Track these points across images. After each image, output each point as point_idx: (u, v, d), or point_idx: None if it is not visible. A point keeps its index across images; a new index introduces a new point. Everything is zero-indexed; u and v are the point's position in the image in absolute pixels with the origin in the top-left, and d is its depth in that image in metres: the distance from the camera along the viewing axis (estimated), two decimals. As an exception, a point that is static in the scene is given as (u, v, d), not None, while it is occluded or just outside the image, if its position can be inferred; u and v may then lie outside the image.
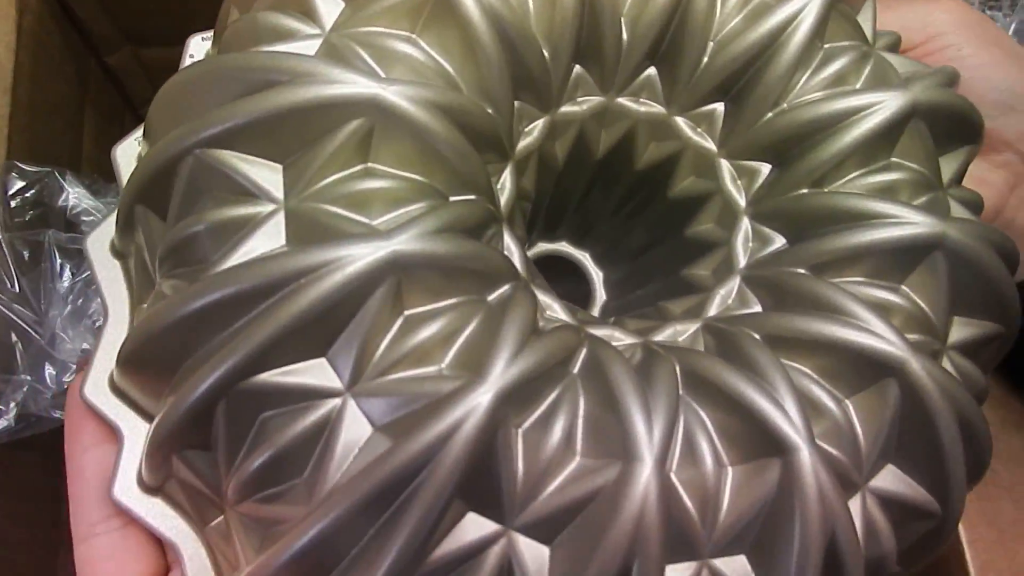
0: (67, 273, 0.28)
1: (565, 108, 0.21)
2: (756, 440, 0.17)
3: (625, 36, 0.20)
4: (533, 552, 0.16)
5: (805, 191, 0.20)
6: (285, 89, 0.17)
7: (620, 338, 0.19)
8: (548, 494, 0.16)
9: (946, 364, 0.19)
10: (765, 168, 0.21)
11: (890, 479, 0.18)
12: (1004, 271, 0.19)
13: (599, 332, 0.19)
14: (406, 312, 0.17)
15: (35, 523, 0.32)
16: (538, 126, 0.20)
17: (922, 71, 0.20)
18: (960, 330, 0.20)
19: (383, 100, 0.17)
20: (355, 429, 0.16)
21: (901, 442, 0.18)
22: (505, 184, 0.20)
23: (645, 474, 0.15)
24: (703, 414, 0.17)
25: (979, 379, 0.20)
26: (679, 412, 0.17)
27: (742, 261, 0.21)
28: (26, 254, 0.28)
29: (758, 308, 0.20)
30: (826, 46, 0.20)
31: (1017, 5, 0.33)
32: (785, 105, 0.20)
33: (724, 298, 0.20)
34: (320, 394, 0.16)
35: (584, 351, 0.18)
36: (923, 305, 0.19)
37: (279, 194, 0.17)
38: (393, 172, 0.18)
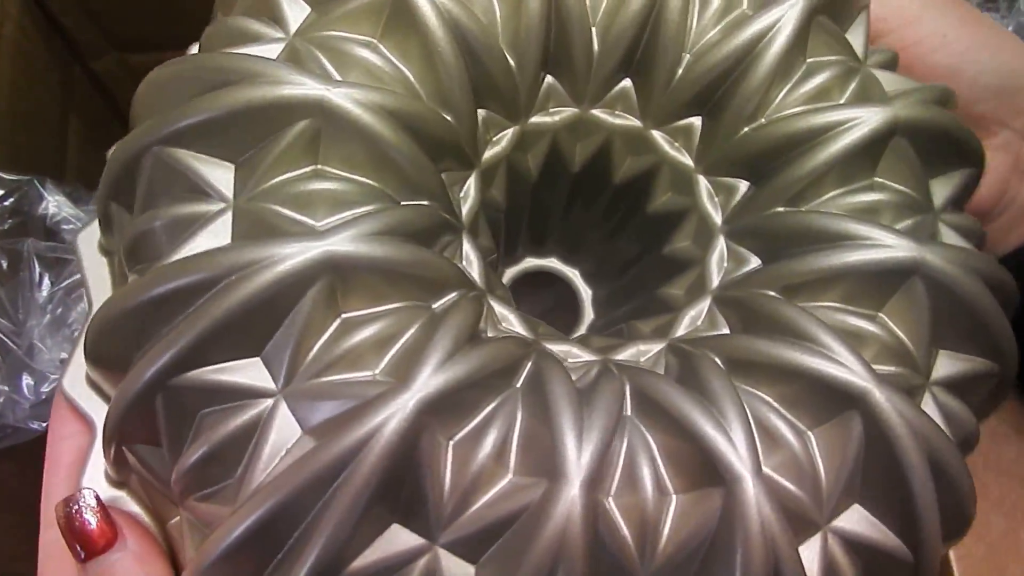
0: (46, 282, 0.28)
1: (536, 119, 0.20)
2: (702, 468, 0.16)
3: (596, 46, 0.19)
4: (458, 571, 0.15)
5: (781, 209, 0.19)
6: (235, 89, 0.17)
7: (578, 355, 0.19)
8: (475, 510, 0.15)
9: (928, 401, 0.18)
10: (743, 185, 0.20)
11: (856, 520, 0.17)
12: (990, 302, 0.18)
13: (557, 348, 0.19)
14: (343, 315, 0.16)
15: (13, 534, 0.32)
16: (506, 136, 0.20)
17: (911, 88, 0.19)
18: (946, 365, 0.18)
19: (328, 102, 0.17)
20: (285, 430, 0.16)
21: (868, 481, 0.17)
22: (469, 193, 0.20)
23: (569, 494, 0.15)
24: (650, 438, 0.16)
25: (967, 420, 0.18)
26: (619, 435, 0.16)
27: (715, 281, 0.20)
28: (4, 263, 0.28)
29: (726, 330, 0.19)
30: (809, 60, 0.19)
31: (1015, 7, 0.32)
32: (763, 120, 0.19)
33: (693, 319, 0.19)
34: (253, 393, 0.16)
35: (529, 364, 0.17)
36: (902, 335, 0.18)
37: (229, 193, 0.17)
38: (342, 175, 0.17)
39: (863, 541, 0.17)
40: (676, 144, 0.20)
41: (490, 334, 0.18)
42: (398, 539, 0.15)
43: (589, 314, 0.26)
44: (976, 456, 0.25)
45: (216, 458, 0.16)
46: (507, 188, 0.21)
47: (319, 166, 0.17)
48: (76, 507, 0.18)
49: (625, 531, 0.16)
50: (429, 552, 0.15)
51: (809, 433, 0.17)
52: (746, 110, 0.19)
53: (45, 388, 0.28)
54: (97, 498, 0.18)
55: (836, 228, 0.18)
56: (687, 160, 0.20)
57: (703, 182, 0.20)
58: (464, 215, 0.20)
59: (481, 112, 0.19)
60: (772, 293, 0.18)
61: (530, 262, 0.26)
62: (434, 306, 0.17)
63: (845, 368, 0.16)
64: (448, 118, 0.18)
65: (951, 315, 0.18)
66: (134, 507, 0.20)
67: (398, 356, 0.16)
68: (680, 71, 0.19)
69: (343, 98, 0.17)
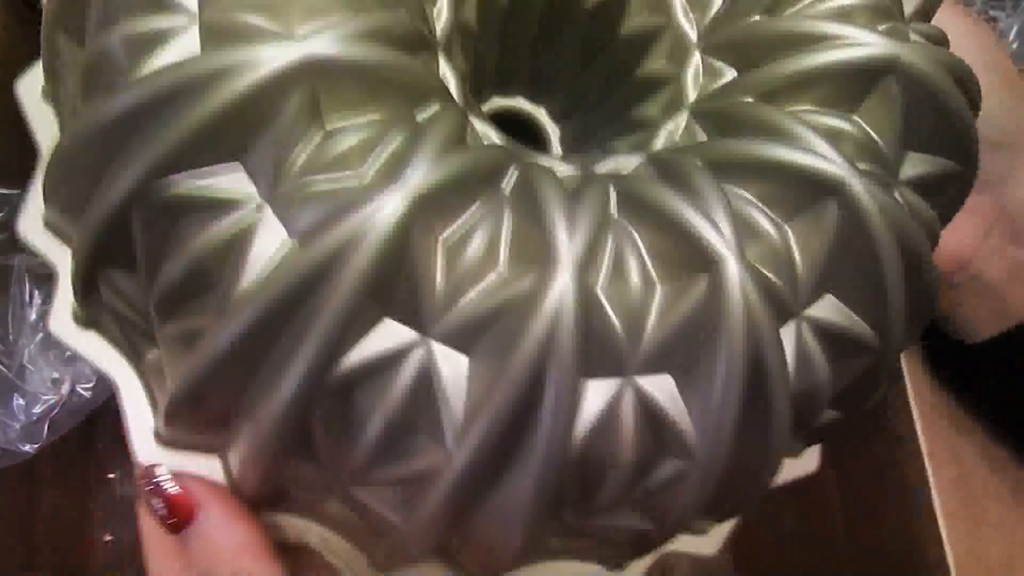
0: (36, 299, 0.27)
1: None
2: (686, 255, 0.16)
3: None
4: (452, 361, 0.16)
5: (757, 18, 0.19)
6: None
7: (562, 169, 0.19)
8: (466, 301, 0.16)
9: (897, 200, 0.19)
10: (717, 1, 0.20)
11: (828, 309, 0.18)
12: (962, 101, 0.18)
13: (540, 160, 0.19)
14: (325, 125, 0.16)
15: (8, 555, 0.32)
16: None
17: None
18: (914, 166, 0.19)
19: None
20: (271, 237, 0.16)
21: (841, 269, 0.17)
22: (442, 11, 0.19)
23: (562, 279, 0.15)
24: (636, 234, 0.17)
25: (931, 218, 0.19)
26: (607, 230, 0.17)
27: (691, 96, 0.20)
28: (-7, 279, 0.26)
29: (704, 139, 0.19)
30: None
31: (1020, 6, 0.31)
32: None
33: (671, 133, 0.20)
34: (235, 200, 0.16)
35: (516, 171, 0.17)
36: (874, 135, 0.18)
37: (193, 6, 0.17)
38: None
39: (833, 329, 0.18)
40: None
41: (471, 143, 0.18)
42: (391, 333, 0.16)
43: (557, 151, 0.26)
44: (975, 481, 0.27)
45: (198, 272, 0.16)
46: (479, 12, 0.21)
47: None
48: (152, 482, 0.18)
49: (613, 318, 0.16)
50: (422, 345, 0.16)
51: (786, 226, 0.17)
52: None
53: (36, 409, 0.27)
54: (170, 470, 0.18)
55: (812, 30, 0.18)
56: None
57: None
58: (439, 34, 0.19)
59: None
60: (749, 99, 0.19)
61: (496, 102, 0.26)
62: (417, 118, 0.17)
63: (823, 159, 0.17)
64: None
65: (921, 115, 0.18)
66: (104, 344, 0.20)
67: (384, 160, 0.16)
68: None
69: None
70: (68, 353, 0.28)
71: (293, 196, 0.16)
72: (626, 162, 0.19)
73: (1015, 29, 0.33)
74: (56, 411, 0.28)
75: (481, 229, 0.16)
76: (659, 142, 0.20)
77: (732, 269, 0.16)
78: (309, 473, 0.17)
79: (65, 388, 0.28)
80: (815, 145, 0.17)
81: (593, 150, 0.22)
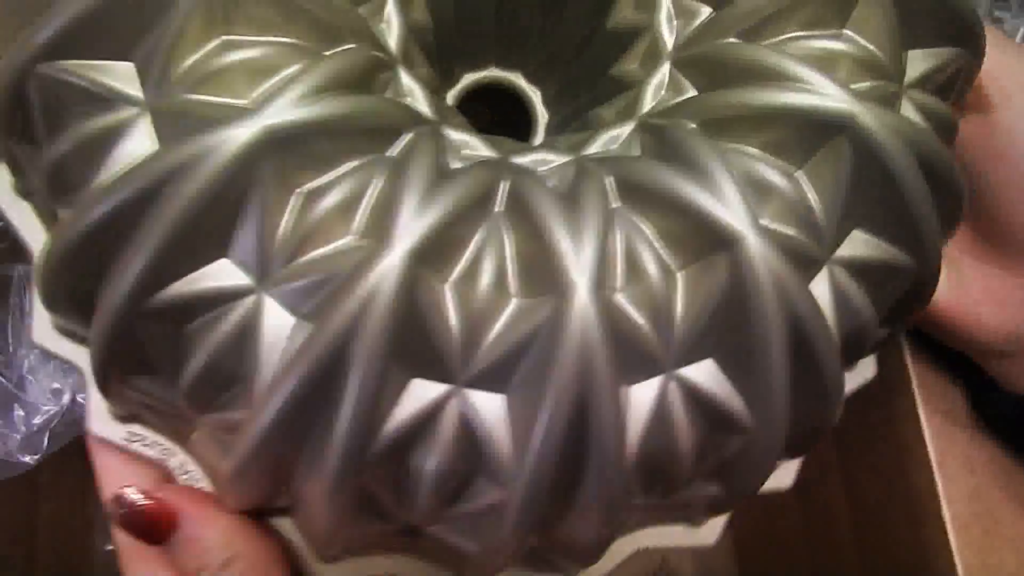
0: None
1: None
2: (701, 238, 0.16)
3: None
4: (488, 404, 0.16)
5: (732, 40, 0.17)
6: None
7: (551, 159, 0.18)
8: (489, 343, 0.15)
9: (906, 106, 0.17)
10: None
11: (857, 246, 0.17)
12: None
13: (527, 159, 0.18)
14: (300, 188, 0.15)
15: (9, 566, 0.32)
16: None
17: None
18: (918, 64, 0.18)
19: None
20: (277, 321, 0.15)
21: (863, 203, 0.17)
22: (391, 21, 0.18)
23: (580, 300, 0.14)
24: (642, 224, 0.16)
25: (946, 114, 0.18)
26: (613, 228, 0.16)
27: (669, 43, 0.19)
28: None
29: (693, 93, 0.18)
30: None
31: None
32: None
33: (657, 89, 0.19)
34: (233, 295, 0.15)
35: (505, 185, 0.16)
36: (870, 45, 0.17)
37: (138, 93, 0.16)
38: (254, 39, 0.16)
39: (867, 263, 0.17)
40: None
41: (455, 165, 0.17)
42: (421, 392, 0.15)
43: (543, 114, 0.24)
44: (989, 491, 0.25)
45: (217, 369, 0.16)
46: (430, 4, 0.19)
47: (225, 37, 0.16)
48: (125, 506, 0.18)
49: (639, 319, 0.16)
50: (456, 395, 0.15)
51: (799, 171, 0.16)
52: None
53: (36, 420, 0.26)
54: (139, 489, 0.18)
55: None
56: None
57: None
58: (393, 47, 0.18)
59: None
60: (732, 40, 0.17)
61: (469, 78, 0.24)
62: (391, 154, 0.16)
63: (825, 96, 0.16)
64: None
65: (915, 7, 0.17)
66: (150, 434, 0.20)
67: (369, 213, 0.15)
68: None
69: None
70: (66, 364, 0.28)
71: (288, 277, 0.15)
72: (617, 133, 0.18)
73: (1021, 31, 0.31)
74: (56, 422, 0.28)
75: (486, 259, 0.16)
76: (646, 102, 0.18)
77: (752, 247, 0.15)
78: (379, 526, 0.17)
79: (65, 399, 0.28)
80: (814, 81, 0.16)
81: (581, 116, 0.21)
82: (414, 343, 0.15)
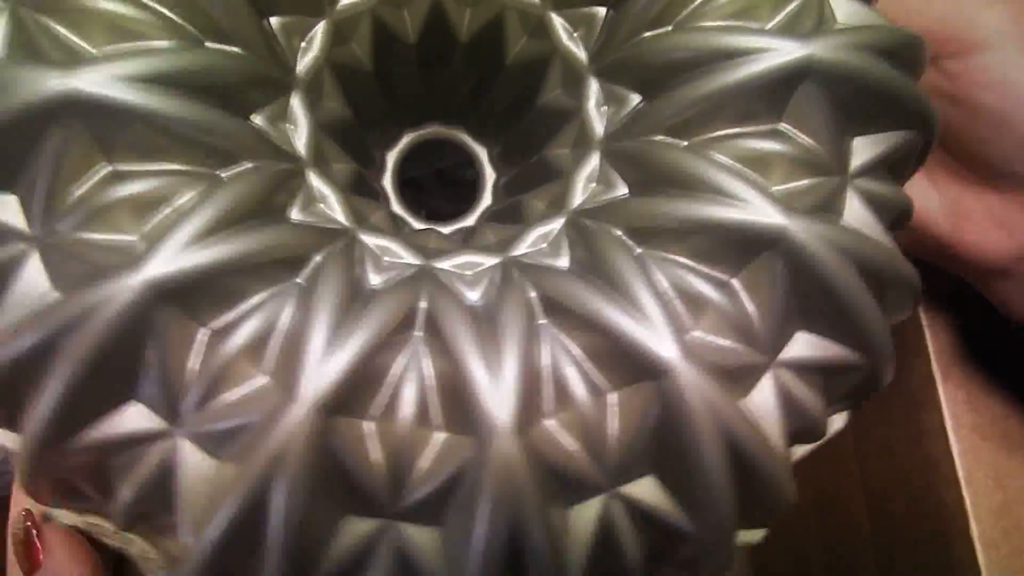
0: None
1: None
2: (630, 363, 0.15)
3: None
4: (422, 537, 0.15)
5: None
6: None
7: (477, 262, 0.17)
8: (417, 478, 0.15)
9: (851, 196, 0.16)
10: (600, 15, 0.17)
11: (803, 347, 0.16)
12: (886, 70, 0.16)
13: (451, 263, 0.17)
14: (206, 327, 0.15)
15: None
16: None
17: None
18: (866, 150, 0.17)
19: (80, 95, 0.13)
20: (196, 462, 0.15)
21: (805, 308, 0.16)
22: (298, 120, 0.17)
23: (500, 442, 0.14)
24: (570, 343, 0.15)
25: (898, 200, 0.17)
26: (539, 347, 0.15)
27: (599, 131, 0.18)
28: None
29: (624, 189, 0.17)
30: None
31: None
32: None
33: (587, 181, 0.18)
34: (146, 437, 0.15)
35: (424, 305, 0.15)
36: (807, 140, 0.16)
37: (25, 228, 0.15)
38: (143, 169, 0.15)
39: (814, 362, 0.16)
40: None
41: (373, 277, 0.16)
42: (355, 528, 0.15)
43: (491, 175, 0.23)
44: (1020, 506, 0.24)
45: (144, 502, 0.15)
46: (374, 47, 0.18)
47: (112, 167, 0.15)
48: (17, 526, 0.19)
49: (570, 445, 0.15)
50: (390, 530, 0.15)
51: (732, 281, 0.16)
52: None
53: None
54: (28, 517, 0.19)
55: (715, 44, 0.15)
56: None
57: (559, 22, 0.17)
58: (302, 149, 0.17)
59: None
60: (661, 137, 0.16)
61: (411, 135, 0.23)
62: (297, 280, 0.15)
63: (755, 209, 0.15)
64: (236, 50, 0.15)
65: (853, 97, 0.16)
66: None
67: (279, 351, 0.15)
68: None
69: (99, 83, 0.14)
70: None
71: (204, 421, 0.14)
72: (547, 230, 0.17)
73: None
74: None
75: (406, 389, 0.15)
76: (576, 195, 0.17)
77: (681, 377, 0.14)
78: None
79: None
80: (740, 194, 0.15)
81: (514, 199, 0.20)
82: (337, 483, 0.14)
